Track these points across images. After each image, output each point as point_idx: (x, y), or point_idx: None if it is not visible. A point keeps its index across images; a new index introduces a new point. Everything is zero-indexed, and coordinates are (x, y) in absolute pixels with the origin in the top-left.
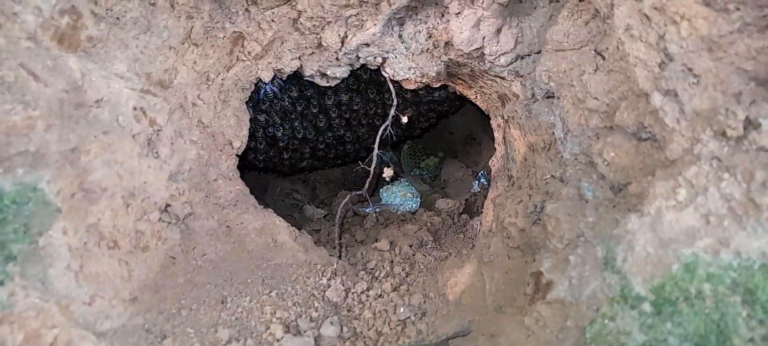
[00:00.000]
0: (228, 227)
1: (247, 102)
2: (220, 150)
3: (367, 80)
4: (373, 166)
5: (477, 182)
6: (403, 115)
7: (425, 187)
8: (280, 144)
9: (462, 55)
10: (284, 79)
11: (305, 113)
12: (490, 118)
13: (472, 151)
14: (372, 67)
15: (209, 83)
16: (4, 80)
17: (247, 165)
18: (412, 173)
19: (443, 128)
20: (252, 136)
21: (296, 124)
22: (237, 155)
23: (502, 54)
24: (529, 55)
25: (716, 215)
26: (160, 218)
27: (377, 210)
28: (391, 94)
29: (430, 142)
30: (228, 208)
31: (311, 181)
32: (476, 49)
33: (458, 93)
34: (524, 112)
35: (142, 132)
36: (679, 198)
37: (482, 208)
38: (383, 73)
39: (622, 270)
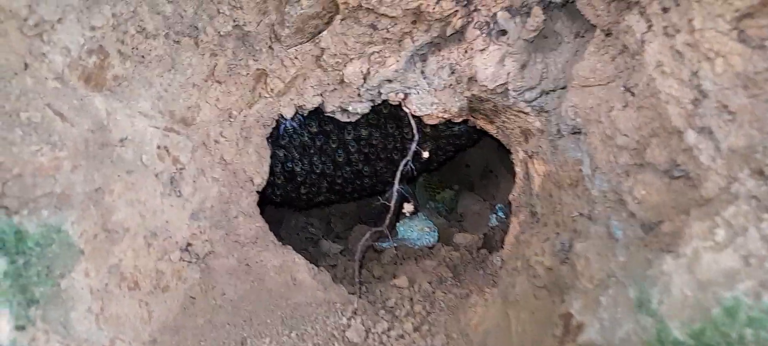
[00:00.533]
0: (247, 265)
1: (267, 138)
2: (241, 187)
3: (386, 115)
4: (393, 202)
5: (495, 215)
6: (424, 150)
7: (441, 220)
8: (298, 179)
9: (485, 91)
10: (305, 114)
11: (324, 148)
12: (510, 152)
13: (489, 184)
14: (393, 103)
15: (232, 120)
16: (31, 121)
17: (263, 199)
18: (427, 206)
19: (460, 160)
20: (270, 171)
21: (315, 159)
22: (257, 192)
23: (527, 90)
24: (554, 90)
25: (757, 256)
26: (180, 258)
27: (394, 245)
28: (412, 129)
29: (445, 174)
30: (248, 245)
31: (326, 214)
32: (500, 84)
33: (478, 127)
34: (549, 147)
35: (166, 170)
36: (717, 239)
37: (502, 243)
38: (404, 108)
39: (658, 313)
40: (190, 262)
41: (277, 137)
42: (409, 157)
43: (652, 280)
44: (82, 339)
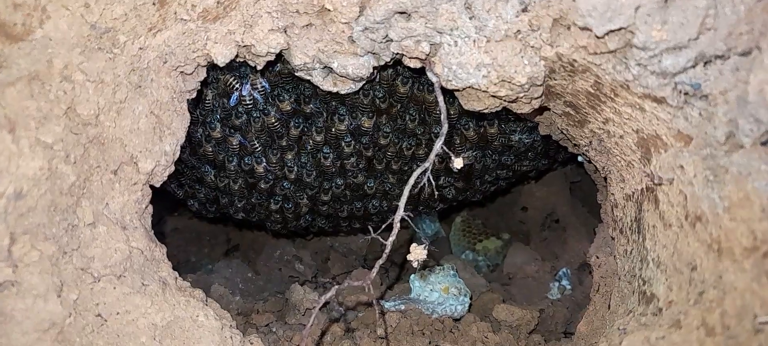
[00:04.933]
0: (99, 317)
1: (190, 101)
2: (113, 171)
3: (404, 96)
4: (392, 235)
5: (557, 283)
6: (458, 158)
7: (480, 280)
8: (262, 185)
9: (584, 49)
10: (263, 74)
11: (303, 140)
12: (605, 186)
13: (552, 239)
14: (411, 64)
15: (114, 50)
16: None
17: (221, 213)
18: (463, 257)
19: (514, 199)
20: (222, 167)
21: (288, 156)
22: (149, 186)
23: (670, 50)
24: (726, 56)
25: None
26: None
27: (401, 308)
28: (440, 112)
29: (491, 216)
30: (106, 280)
31: (326, 248)
32: (618, 30)
33: (552, 140)
34: (703, 171)
35: None
36: None
37: (564, 328)
38: (430, 75)
39: None
40: None
41: (229, 112)
42: (428, 164)
43: None
44: None
